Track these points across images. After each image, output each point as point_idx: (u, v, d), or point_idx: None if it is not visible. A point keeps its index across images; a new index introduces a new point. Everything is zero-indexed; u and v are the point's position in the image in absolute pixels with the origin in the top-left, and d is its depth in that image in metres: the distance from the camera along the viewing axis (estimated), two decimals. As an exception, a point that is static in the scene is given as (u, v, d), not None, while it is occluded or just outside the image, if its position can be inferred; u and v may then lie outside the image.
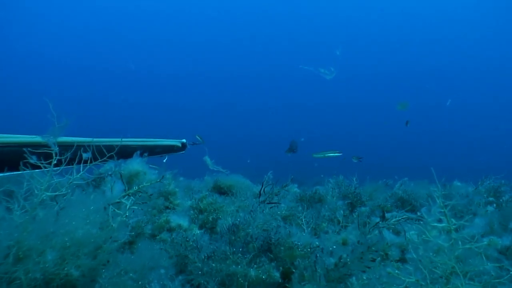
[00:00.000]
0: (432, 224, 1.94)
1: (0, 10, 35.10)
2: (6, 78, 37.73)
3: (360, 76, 39.03)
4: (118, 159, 2.30)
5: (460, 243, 1.80)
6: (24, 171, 1.61)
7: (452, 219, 1.91)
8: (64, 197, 1.69)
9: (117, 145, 2.37)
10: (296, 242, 1.84)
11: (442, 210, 1.89)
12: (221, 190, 2.98)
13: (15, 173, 1.87)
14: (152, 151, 2.76)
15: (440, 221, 1.91)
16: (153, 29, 41.83)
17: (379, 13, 38.67)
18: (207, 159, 3.39)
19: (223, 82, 41.94)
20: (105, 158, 2.02)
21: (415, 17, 37.84)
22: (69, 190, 1.77)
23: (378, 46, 39.76)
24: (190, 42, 42.00)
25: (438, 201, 1.92)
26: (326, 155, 5.66)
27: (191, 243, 1.78)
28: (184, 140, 3.26)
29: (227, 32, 41.99)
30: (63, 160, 1.70)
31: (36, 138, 2.08)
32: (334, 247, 2.08)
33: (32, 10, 37.00)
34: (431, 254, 1.75)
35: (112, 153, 2.07)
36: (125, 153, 2.51)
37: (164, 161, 3.16)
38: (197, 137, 5.36)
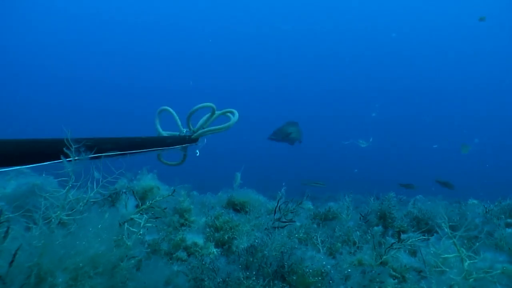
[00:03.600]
0: (443, 256, 1.91)
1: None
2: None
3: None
4: (128, 151, 2.22)
5: (474, 273, 1.75)
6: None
7: (463, 249, 1.87)
8: (80, 216, 1.68)
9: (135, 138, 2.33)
10: (307, 270, 1.82)
11: (452, 240, 1.84)
12: (235, 207, 2.96)
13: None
14: (163, 142, 2.66)
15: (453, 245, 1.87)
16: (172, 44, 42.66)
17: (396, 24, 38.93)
18: (237, 176, 3.37)
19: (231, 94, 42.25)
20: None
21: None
22: (85, 208, 1.78)
23: (392, 59, 39.86)
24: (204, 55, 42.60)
25: (446, 230, 1.88)
26: None
27: (207, 265, 1.77)
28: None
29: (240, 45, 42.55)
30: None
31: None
32: (349, 270, 2.06)
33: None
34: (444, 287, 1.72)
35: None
36: (134, 145, 2.37)
37: (197, 154, 3.05)
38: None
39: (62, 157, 1.63)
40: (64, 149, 1.62)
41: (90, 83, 41.71)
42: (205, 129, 2.93)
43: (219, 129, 2.91)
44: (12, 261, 1.27)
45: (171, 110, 2.97)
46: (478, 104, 38.78)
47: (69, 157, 1.63)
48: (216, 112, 2.90)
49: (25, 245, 1.36)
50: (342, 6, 39.35)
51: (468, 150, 8.51)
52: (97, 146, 1.95)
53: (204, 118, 2.95)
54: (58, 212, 1.50)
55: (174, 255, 2.14)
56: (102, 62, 42.45)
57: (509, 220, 3.77)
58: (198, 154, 3.00)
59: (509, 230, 3.41)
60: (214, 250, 2.24)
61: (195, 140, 2.95)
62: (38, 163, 1.77)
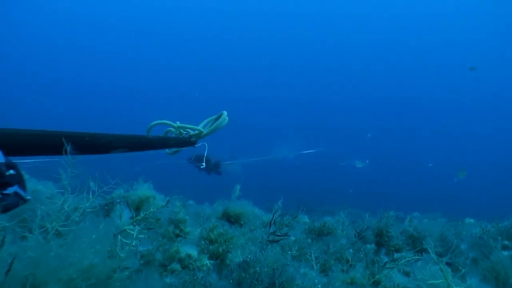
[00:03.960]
0: (429, 282, 1.90)
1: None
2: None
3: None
4: (132, 150, 2.28)
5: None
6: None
7: (449, 275, 1.86)
8: (75, 227, 1.68)
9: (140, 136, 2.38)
10: (298, 289, 1.82)
11: (438, 266, 1.84)
12: (230, 219, 2.97)
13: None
14: (167, 143, 2.77)
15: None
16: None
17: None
18: (237, 187, 3.40)
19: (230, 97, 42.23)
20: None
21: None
22: (81, 218, 1.79)
23: (389, 76, 40.22)
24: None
25: (432, 255, 1.88)
26: None
27: (199, 280, 1.78)
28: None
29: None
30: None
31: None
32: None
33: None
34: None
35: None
36: (140, 144, 2.46)
37: (202, 167, 3.13)
38: None
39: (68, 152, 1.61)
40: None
41: (93, 85, 41.83)
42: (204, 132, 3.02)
43: (214, 130, 3.00)
44: (8, 271, 1.29)
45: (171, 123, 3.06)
46: (477, 121, 38.81)
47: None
48: (219, 120, 2.97)
49: (21, 255, 1.37)
50: (339, 19, 39.92)
51: (464, 174, 9.08)
52: (110, 143, 2.00)
53: (212, 125, 3.03)
54: (54, 223, 1.51)
55: (168, 267, 2.15)
56: (105, 64, 42.67)
57: (506, 242, 3.72)
58: (203, 167, 3.10)
59: (505, 253, 3.37)
60: (208, 262, 2.24)
61: (193, 143, 3.04)
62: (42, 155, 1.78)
